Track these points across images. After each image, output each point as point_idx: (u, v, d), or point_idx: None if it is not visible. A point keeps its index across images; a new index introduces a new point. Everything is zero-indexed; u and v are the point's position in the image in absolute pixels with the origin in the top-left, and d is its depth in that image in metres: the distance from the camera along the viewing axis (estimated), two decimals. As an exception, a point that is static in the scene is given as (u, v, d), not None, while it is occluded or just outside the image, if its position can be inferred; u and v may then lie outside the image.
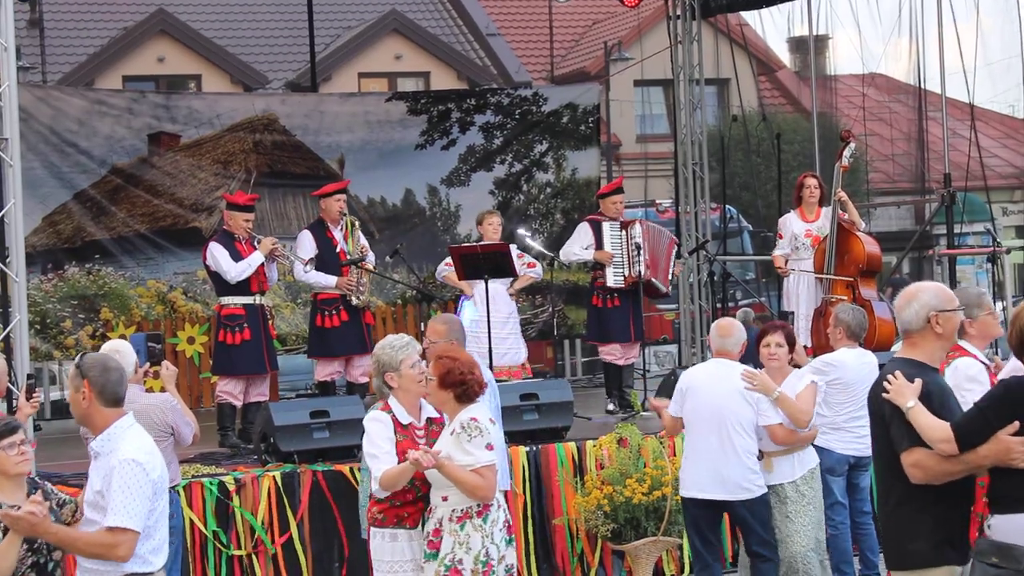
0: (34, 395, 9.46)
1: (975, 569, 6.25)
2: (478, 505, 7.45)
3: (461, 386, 7.49)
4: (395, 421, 7.79)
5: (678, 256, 15.05)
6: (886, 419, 6.43)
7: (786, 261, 14.56)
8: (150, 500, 6.48)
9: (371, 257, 14.01)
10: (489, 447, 7.42)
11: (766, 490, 9.79)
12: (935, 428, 6.24)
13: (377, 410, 7.96)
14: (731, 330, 10.05)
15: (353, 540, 11.11)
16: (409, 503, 7.72)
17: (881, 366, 7.10)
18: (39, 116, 16.59)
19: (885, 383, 6.41)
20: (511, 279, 14.30)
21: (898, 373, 6.40)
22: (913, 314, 6.55)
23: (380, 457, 7.63)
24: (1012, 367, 6.72)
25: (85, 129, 17.00)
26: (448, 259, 14.41)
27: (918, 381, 6.37)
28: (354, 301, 13.65)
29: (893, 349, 9.99)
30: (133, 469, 6.43)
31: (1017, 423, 6.12)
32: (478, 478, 7.41)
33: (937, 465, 6.26)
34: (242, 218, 13.18)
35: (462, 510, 7.48)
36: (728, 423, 9.76)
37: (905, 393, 6.34)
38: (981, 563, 6.20)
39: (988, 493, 6.31)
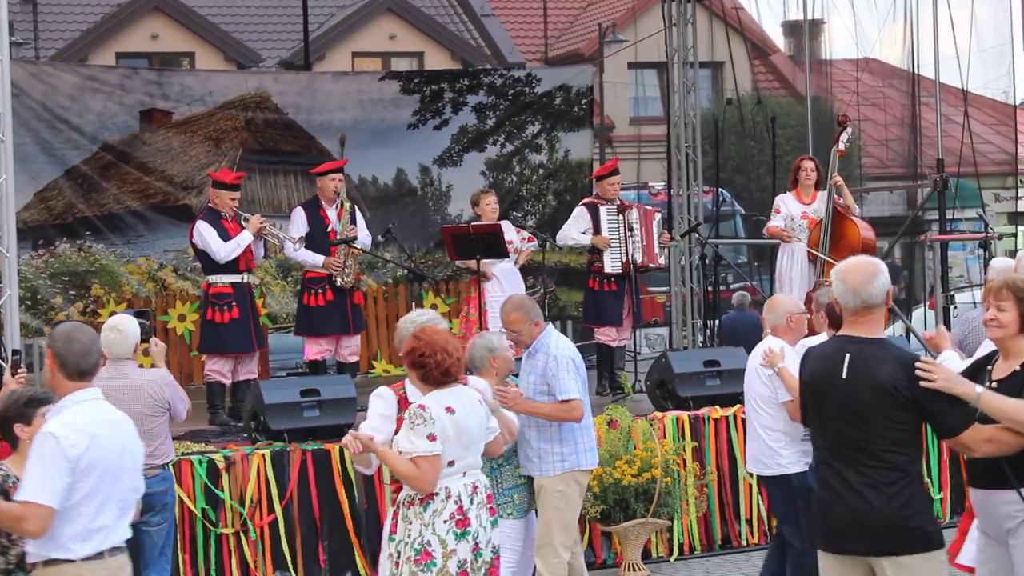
0: (19, 371, 9.45)
1: None
2: (420, 493, 7.32)
3: (420, 368, 7.37)
4: (403, 399, 7.73)
5: (669, 231, 15.00)
6: (921, 405, 6.34)
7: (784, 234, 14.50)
8: (67, 477, 6.14)
9: (365, 239, 13.93)
10: (431, 437, 7.19)
11: (788, 470, 9.65)
12: (1020, 409, 6.35)
13: (387, 387, 7.94)
14: (772, 305, 9.99)
15: (339, 518, 11.14)
16: None
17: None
18: (31, 92, 16.56)
19: (923, 374, 6.32)
20: (515, 257, 14.31)
21: (929, 360, 6.39)
22: (880, 287, 6.51)
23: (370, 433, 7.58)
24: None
25: (77, 105, 16.96)
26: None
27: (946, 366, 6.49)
28: (338, 282, 13.60)
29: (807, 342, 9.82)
30: (47, 442, 6.15)
31: None
32: (411, 467, 7.22)
33: (1013, 439, 6.36)
34: (228, 197, 13.14)
35: (409, 497, 7.38)
36: (751, 399, 9.89)
37: (961, 381, 6.38)
38: None
39: (1020, 466, 6.43)
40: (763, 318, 10.17)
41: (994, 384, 6.57)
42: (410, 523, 7.33)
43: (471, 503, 7.37)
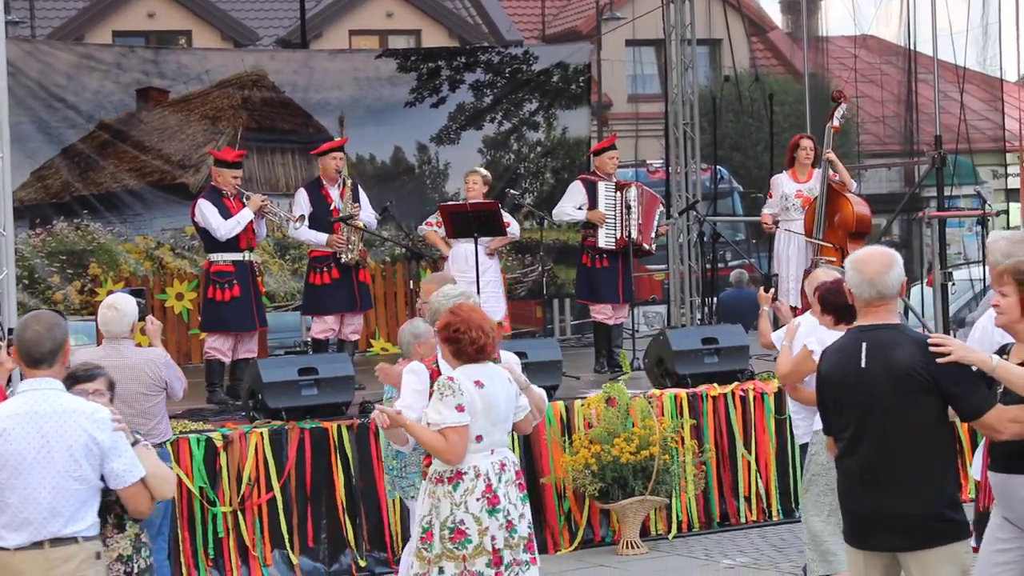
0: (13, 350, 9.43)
1: None
2: (450, 471, 7.30)
3: (455, 343, 7.40)
4: (435, 373, 7.67)
5: (667, 217, 14.99)
6: (942, 386, 6.26)
7: (774, 220, 14.53)
8: None
9: (368, 217, 13.92)
10: (459, 408, 7.21)
11: (805, 440, 9.49)
12: None
13: (419, 360, 7.93)
14: (810, 280, 9.88)
15: (336, 497, 11.16)
16: None
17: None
18: (27, 71, 16.53)
19: (937, 348, 6.25)
20: (486, 239, 14.24)
21: (940, 335, 6.43)
22: (895, 278, 6.45)
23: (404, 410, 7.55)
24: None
25: (73, 84, 16.94)
26: (431, 217, 14.41)
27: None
28: (343, 259, 13.62)
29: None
30: None
31: None
32: (439, 440, 7.22)
33: None
34: (230, 174, 13.16)
35: (438, 474, 7.37)
36: None
37: (974, 350, 6.34)
38: None
39: None
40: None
41: None
42: (439, 501, 7.32)
43: (499, 481, 7.35)
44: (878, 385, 6.34)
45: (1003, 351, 6.69)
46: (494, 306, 14.35)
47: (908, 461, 6.30)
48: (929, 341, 6.32)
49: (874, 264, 6.49)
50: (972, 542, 6.47)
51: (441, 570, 7.28)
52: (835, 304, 8.84)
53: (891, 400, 6.32)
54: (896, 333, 6.42)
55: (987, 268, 7.77)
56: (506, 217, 14.55)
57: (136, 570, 6.79)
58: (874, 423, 6.36)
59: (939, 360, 6.25)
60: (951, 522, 6.31)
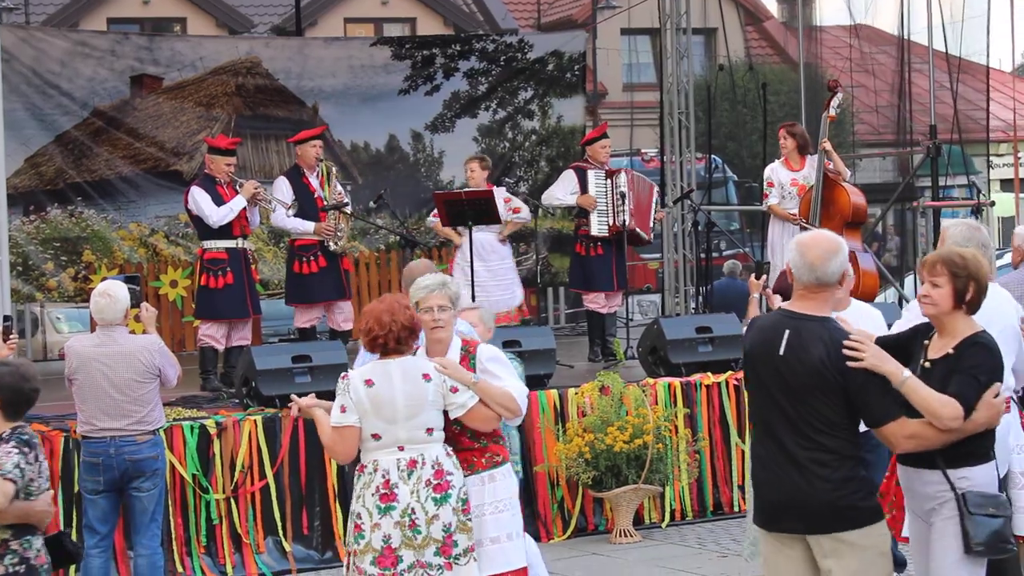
0: (11, 337, 9.43)
1: (975, 524, 6.19)
2: (360, 465, 7.36)
3: (363, 335, 7.38)
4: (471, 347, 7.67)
5: (662, 205, 15.00)
6: (850, 388, 6.18)
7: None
8: None
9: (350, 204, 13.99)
10: (343, 408, 7.25)
11: None
12: (943, 403, 6.13)
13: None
14: None
15: (325, 485, 11.17)
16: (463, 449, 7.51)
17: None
18: (21, 57, 16.48)
19: (852, 352, 6.15)
20: (500, 226, 14.27)
21: (862, 338, 6.22)
22: (837, 267, 6.34)
23: None
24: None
25: (67, 71, 16.89)
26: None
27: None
28: (332, 247, 13.61)
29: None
30: None
31: (999, 383, 6.17)
32: (330, 437, 7.36)
33: (936, 436, 6.16)
34: (224, 162, 13.15)
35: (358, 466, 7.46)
36: None
37: (890, 361, 6.19)
38: (980, 516, 6.18)
39: (950, 448, 6.25)
40: None
41: (927, 364, 6.40)
42: (356, 492, 7.34)
43: (406, 478, 7.18)
44: (793, 375, 6.28)
45: (927, 334, 6.56)
46: (511, 292, 14.44)
47: (817, 452, 6.25)
48: (845, 343, 6.20)
49: (817, 249, 6.38)
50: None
51: (345, 563, 7.38)
52: (782, 289, 8.84)
53: (804, 392, 6.27)
54: (819, 327, 6.30)
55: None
56: (516, 202, 14.57)
57: None
58: (786, 411, 6.32)
59: (850, 364, 6.17)
60: (856, 508, 6.23)
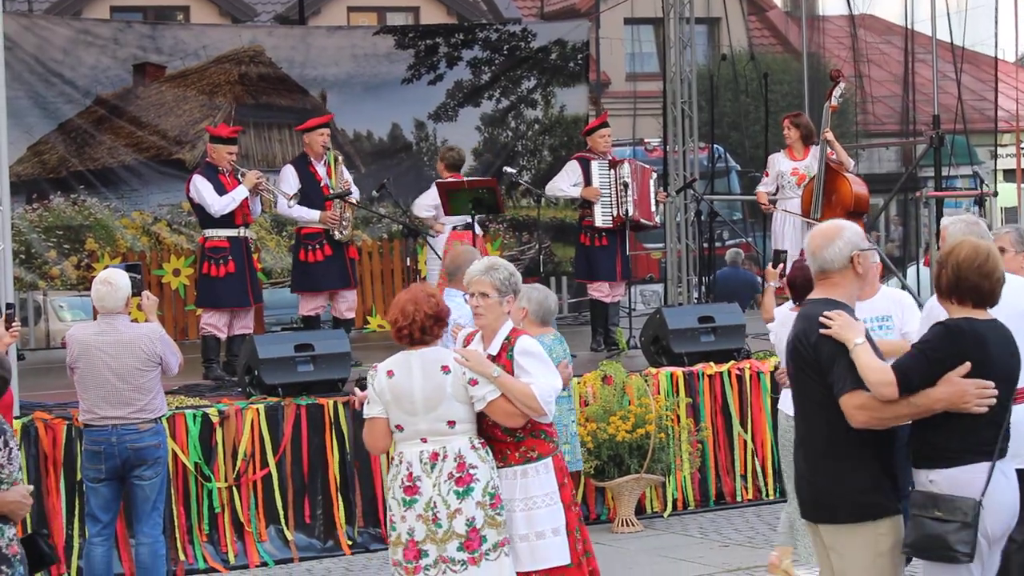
0: (13, 325, 9.43)
1: (914, 525, 6.05)
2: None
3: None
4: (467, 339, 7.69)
5: (664, 187, 14.97)
6: (822, 361, 6.14)
7: (771, 200, 14.52)
8: None
9: (355, 192, 13.98)
10: (369, 401, 7.30)
11: None
12: (877, 370, 5.99)
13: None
14: None
15: (327, 474, 11.17)
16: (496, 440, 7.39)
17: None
18: (24, 45, 16.49)
19: (825, 320, 6.11)
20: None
21: (840, 312, 6.16)
22: (836, 252, 6.27)
23: None
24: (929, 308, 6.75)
25: (70, 59, 16.91)
26: (425, 194, 14.41)
27: (861, 321, 6.20)
28: (337, 236, 13.64)
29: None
30: None
31: (968, 363, 5.98)
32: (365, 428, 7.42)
33: (886, 409, 6.01)
34: (225, 151, 13.14)
35: None
36: None
37: (853, 329, 6.10)
38: (922, 518, 6.01)
39: (918, 448, 6.13)
40: None
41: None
42: (387, 483, 7.33)
43: (429, 470, 7.11)
44: (790, 358, 6.37)
45: None
46: None
47: (815, 436, 6.26)
48: (824, 314, 6.16)
49: (817, 237, 6.39)
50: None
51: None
52: (794, 279, 8.92)
53: (795, 372, 6.34)
54: (813, 306, 6.29)
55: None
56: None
57: None
58: (795, 394, 6.45)
59: (821, 331, 6.13)
60: (849, 500, 6.15)
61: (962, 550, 5.97)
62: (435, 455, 7.12)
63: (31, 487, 7.07)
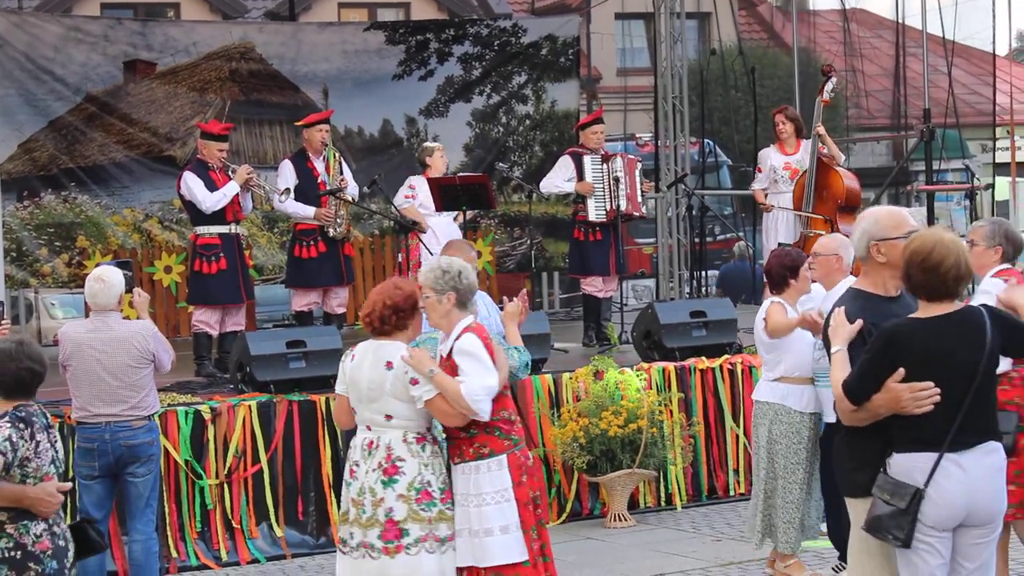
0: (4, 322, 9.42)
1: (874, 504, 6.22)
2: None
3: None
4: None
5: (656, 190, 14.98)
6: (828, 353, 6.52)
7: (765, 195, 14.54)
8: None
9: (353, 190, 13.95)
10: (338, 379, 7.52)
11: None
12: (836, 384, 6.24)
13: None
14: None
15: (320, 470, 11.16)
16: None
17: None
18: (14, 42, 16.48)
19: (834, 316, 6.42)
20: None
21: (840, 310, 6.34)
22: (858, 243, 6.51)
23: None
24: None
25: (61, 56, 16.90)
26: (406, 190, 14.38)
27: (858, 323, 6.28)
28: (331, 232, 13.62)
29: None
30: None
31: (903, 370, 6.08)
32: None
33: (851, 415, 6.24)
34: (216, 147, 13.11)
35: None
36: None
37: (837, 335, 6.32)
38: (878, 499, 6.19)
39: (888, 432, 6.25)
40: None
41: None
42: None
43: (366, 456, 7.23)
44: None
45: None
46: None
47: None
48: (833, 309, 6.48)
49: (854, 228, 6.71)
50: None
51: None
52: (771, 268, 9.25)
53: None
54: (843, 295, 6.60)
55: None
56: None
57: None
58: None
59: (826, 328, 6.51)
60: (848, 480, 6.43)
61: (896, 534, 6.14)
62: (371, 443, 7.26)
63: (67, 484, 7.02)
